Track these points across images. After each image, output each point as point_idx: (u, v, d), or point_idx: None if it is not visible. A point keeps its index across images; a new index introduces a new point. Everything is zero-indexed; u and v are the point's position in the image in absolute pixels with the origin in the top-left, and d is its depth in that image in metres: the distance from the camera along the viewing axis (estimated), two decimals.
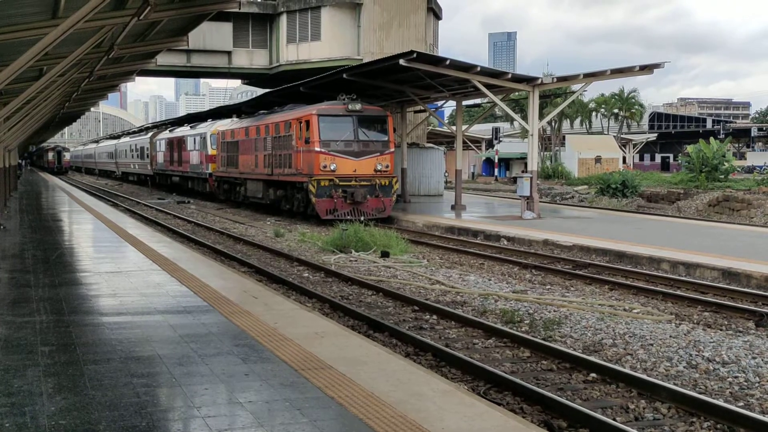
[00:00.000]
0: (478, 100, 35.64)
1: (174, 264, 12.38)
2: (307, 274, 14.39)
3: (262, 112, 31.30)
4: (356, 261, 16.17)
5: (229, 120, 35.79)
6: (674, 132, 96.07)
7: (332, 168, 22.74)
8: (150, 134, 52.02)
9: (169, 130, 46.87)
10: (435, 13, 42.33)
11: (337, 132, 23.09)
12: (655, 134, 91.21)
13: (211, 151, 35.55)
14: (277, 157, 25.96)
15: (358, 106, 23.27)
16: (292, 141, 24.43)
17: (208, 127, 37.09)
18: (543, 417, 6.58)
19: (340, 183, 22.76)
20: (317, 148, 22.77)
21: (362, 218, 21.85)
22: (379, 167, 23.18)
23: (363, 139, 23.21)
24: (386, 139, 23.67)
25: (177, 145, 41.91)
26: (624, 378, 7.50)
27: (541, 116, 32.17)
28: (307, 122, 23.33)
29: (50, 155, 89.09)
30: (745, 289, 12.40)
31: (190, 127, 41.86)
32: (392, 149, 23.94)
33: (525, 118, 31.88)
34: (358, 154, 23.03)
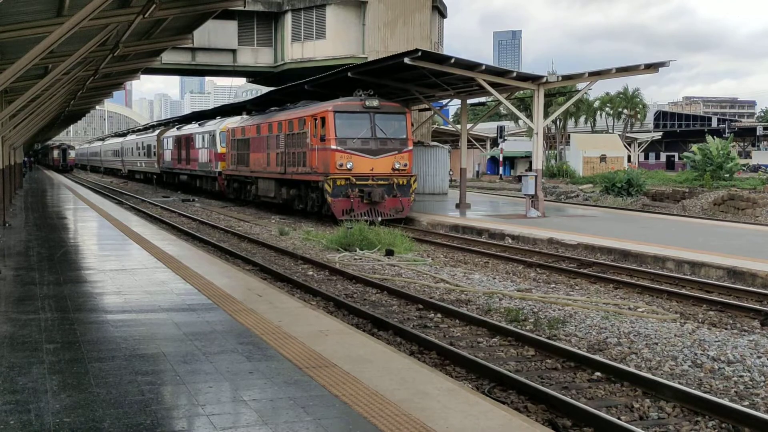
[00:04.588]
0: (482, 99, 35.54)
1: (178, 262, 12.40)
2: (311, 273, 14.39)
3: (273, 108, 30.89)
4: (361, 259, 16.17)
5: (239, 117, 35.51)
6: (679, 131, 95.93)
7: (349, 166, 22.15)
8: (157, 132, 51.84)
9: (177, 128, 46.51)
10: (440, 11, 42.29)
11: (354, 129, 22.50)
12: (660, 133, 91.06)
13: (220, 149, 35.03)
14: (291, 156, 25.38)
15: (375, 102, 22.68)
16: (307, 138, 23.86)
17: (218, 125, 36.69)
18: (547, 416, 6.57)
19: (357, 182, 22.12)
20: (333, 146, 22.21)
21: (379, 219, 21.52)
22: (397, 166, 22.58)
23: (380, 137, 22.59)
24: (404, 136, 23.00)
25: (185, 143, 41.66)
26: (629, 377, 7.48)
27: (546, 115, 32.13)
28: (323, 119, 22.75)
29: (55, 153, 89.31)
30: (750, 288, 12.37)
31: (199, 124, 41.55)
32: (410, 147, 23.28)
33: (530, 116, 31.83)
34: (376, 152, 22.46)
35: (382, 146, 22.62)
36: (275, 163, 27.03)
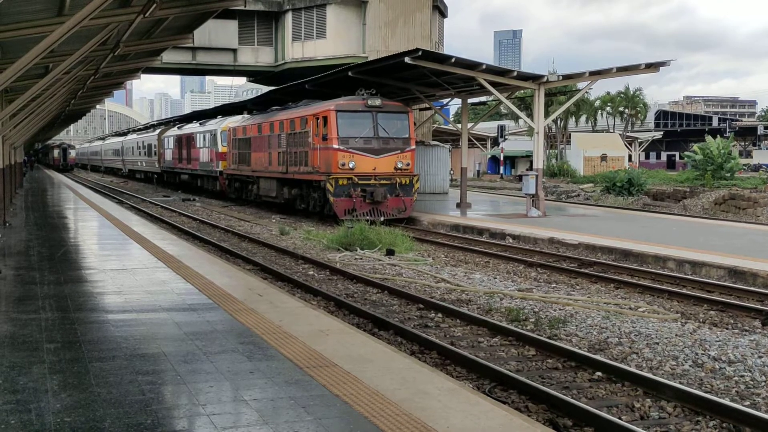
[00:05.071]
0: (483, 98, 35.55)
1: (179, 261, 12.40)
2: (312, 272, 14.39)
3: (274, 108, 30.77)
4: (361, 259, 16.16)
5: (240, 116, 35.43)
6: (680, 130, 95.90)
7: (351, 166, 22.06)
8: (158, 131, 51.79)
9: (178, 127, 46.39)
10: (440, 10, 42.30)
11: (356, 128, 22.39)
12: (661, 132, 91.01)
13: (221, 149, 34.90)
14: (293, 155, 25.25)
15: (377, 102, 22.60)
16: (309, 138, 23.75)
17: (219, 124, 36.59)
18: (548, 415, 6.57)
19: (359, 182, 22.02)
20: (335, 146, 22.12)
21: (382, 218, 21.44)
22: (399, 165, 22.49)
23: (383, 136, 22.50)
24: (407, 135, 22.93)
25: (186, 143, 41.57)
26: (629, 377, 7.48)
27: (547, 114, 32.12)
28: (325, 118, 22.64)
29: (56, 152, 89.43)
30: (751, 288, 12.37)
31: (199, 124, 41.43)
32: (413, 146, 23.19)
33: (530, 115, 31.83)
34: (378, 152, 22.36)
35: (385, 145, 22.52)
36: (277, 162, 26.92)
